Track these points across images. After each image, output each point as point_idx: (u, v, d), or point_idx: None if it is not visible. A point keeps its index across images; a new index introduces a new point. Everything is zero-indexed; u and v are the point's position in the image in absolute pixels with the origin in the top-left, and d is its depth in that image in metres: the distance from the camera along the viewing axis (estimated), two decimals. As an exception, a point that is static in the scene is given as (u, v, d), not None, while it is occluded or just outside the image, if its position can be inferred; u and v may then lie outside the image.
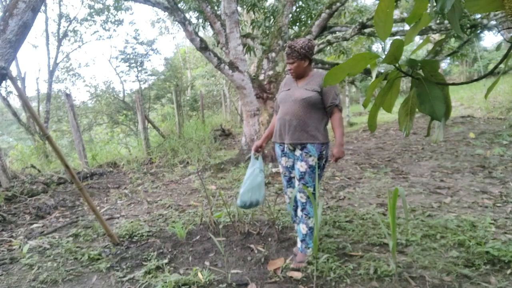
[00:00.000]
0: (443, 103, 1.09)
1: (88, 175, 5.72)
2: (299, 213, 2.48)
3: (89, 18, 12.32)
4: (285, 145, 2.47)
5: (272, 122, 2.66)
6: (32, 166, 6.03)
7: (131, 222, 3.48)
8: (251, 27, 8.31)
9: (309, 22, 7.50)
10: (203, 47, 5.97)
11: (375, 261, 2.36)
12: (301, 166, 2.39)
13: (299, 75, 2.45)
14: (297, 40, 2.39)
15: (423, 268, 2.27)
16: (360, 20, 5.90)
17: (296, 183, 2.46)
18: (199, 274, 2.34)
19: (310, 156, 2.36)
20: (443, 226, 2.84)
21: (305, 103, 2.36)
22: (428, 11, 1.16)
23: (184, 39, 25.12)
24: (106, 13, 12.24)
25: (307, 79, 2.45)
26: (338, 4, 5.82)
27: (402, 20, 6.40)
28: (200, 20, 8.20)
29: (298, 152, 2.42)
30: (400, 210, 2.97)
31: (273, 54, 6.16)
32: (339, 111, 2.42)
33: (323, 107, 2.40)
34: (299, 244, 2.52)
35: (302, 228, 2.47)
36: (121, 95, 13.78)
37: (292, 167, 2.52)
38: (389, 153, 6.20)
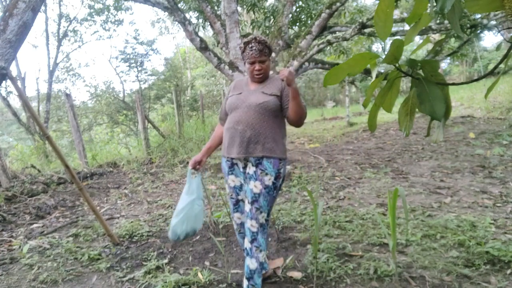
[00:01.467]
0: (443, 103, 1.09)
1: (88, 175, 5.72)
2: (247, 244, 2.02)
3: (89, 18, 12.34)
4: (235, 160, 2.06)
5: (216, 132, 2.24)
6: (32, 166, 6.03)
7: (131, 222, 3.48)
8: (251, 27, 8.30)
9: (309, 22, 7.49)
10: (203, 47, 5.98)
11: (375, 261, 2.36)
12: (254, 187, 1.96)
13: (265, 78, 2.07)
14: (260, 35, 2.02)
15: (423, 268, 2.28)
16: (360, 20, 5.90)
17: (247, 207, 2.00)
18: (199, 274, 2.34)
19: (267, 174, 1.95)
20: (443, 226, 2.84)
21: (262, 110, 1.96)
22: (428, 11, 1.16)
23: (184, 39, 25.13)
24: (106, 13, 12.25)
25: (265, 82, 2.07)
26: (338, 4, 5.82)
27: (402, 20, 6.40)
28: (200, 20, 8.20)
29: (251, 170, 1.99)
30: (400, 210, 2.97)
31: (273, 54, 6.16)
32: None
33: (281, 115, 2.03)
34: (244, 283, 2.04)
35: (250, 263, 2.00)
36: (121, 95, 13.79)
37: (241, 188, 2.08)
38: (389, 153, 6.20)
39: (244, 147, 1.96)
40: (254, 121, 1.95)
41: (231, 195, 2.13)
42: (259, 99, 1.98)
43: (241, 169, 2.06)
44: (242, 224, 2.16)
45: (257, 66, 2.00)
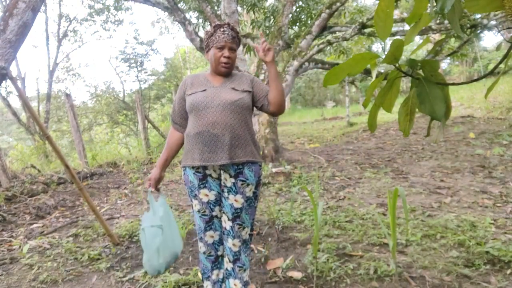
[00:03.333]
0: (443, 103, 1.09)
1: (88, 175, 5.72)
2: (229, 265, 1.84)
3: (89, 18, 12.35)
4: (208, 171, 1.77)
5: (171, 139, 1.90)
6: (32, 166, 6.03)
7: (131, 222, 3.48)
8: (251, 27, 8.30)
9: (309, 22, 7.50)
10: (203, 47, 5.97)
11: (375, 261, 2.36)
12: (235, 201, 1.74)
13: (231, 71, 1.84)
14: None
15: (423, 268, 2.27)
16: (360, 20, 5.90)
17: (227, 225, 1.79)
18: (199, 274, 2.34)
19: (248, 185, 1.74)
20: (443, 226, 2.84)
21: (238, 108, 1.72)
22: (428, 11, 1.16)
23: (184, 39, 25.15)
24: (106, 13, 12.25)
25: (228, 77, 1.83)
26: (338, 4, 5.82)
27: (402, 20, 6.40)
28: (200, 20, 8.21)
29: (229, 181, 1.74)
30: (400, 210, 2.98)
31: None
32: None
33: (252, 113, 1.85)
34: None
35: (234, 285, 1.83)
36: (121, 95, 13.79)
37: (216, 202, 1.80)
38: (389, 153, 6.20)
39: (225, 152, 1.67)
40: (232, 122, 1.69)
41: (204, 212, 1.79)
42: (233, 96, 1.72)
43: (215, 181, 1.78)
44: (213, 245, 1.85)
45: (226, 53, 1.73)
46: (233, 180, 1.74)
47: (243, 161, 1.71)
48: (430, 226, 2.87)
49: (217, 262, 1.88)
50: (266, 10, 7.88)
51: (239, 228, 1.78)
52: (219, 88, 1.75)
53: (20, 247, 3.03)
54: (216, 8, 7.36)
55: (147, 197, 1.82)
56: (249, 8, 7.59)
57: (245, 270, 1.84)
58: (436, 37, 8.65)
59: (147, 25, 50.32)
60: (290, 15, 6.69)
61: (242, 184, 1.73)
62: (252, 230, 1.86)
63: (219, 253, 1.88)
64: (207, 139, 1.69)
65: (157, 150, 7.29)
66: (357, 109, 16.29)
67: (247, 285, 1.87)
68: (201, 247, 1.86)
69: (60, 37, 12.12)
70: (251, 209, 1.80)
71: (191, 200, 1.84)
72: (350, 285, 2.14)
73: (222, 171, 1.76)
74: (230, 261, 1.83)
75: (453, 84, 1.19)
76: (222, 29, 1.73)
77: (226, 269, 1.87)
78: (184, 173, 1.83)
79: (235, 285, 1.83)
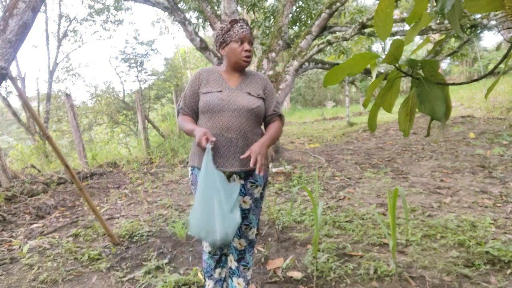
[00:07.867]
0: (443, 103, 1.09)
1: (88, 175, 5.72)
2: (233, 264, 1.87)
3: (89, 18, 12.36)
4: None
5: (186, 118, 1.79)
6: (32, 166, 6.03)
7: (131, 222, 3.48)
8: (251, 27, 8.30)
9: (309, 22, 7.49)
10: (203, 47, 5.98)
11: (375, 261, 2.36)
12: (244, 202, 1.75)
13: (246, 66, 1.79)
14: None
15: (423, 268, 2.27)
16: (360, 20, 5.90)
17: None
18: (199, 274, 2.34)
19: (257, 186, 1.75)
20: (443, 226, 2.84)
21: (254, 116, 1.70)
22: (428, 11, 1.16)
23: (184, 39, 25.15)
24: (106, 13, 12.26)
25: (243, 78, 1.79)
26: (338, 4, 5.81)
27: (402, 20, 6.40)
28: (200, 20, 8.20)
29: (239, 183, 1.74)
30: (400, 210, 2.97)
31: (273, 54, 6.16)
32: (280, 122, 1.82)
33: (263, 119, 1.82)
34: None
35: (237, 284, 1.85)
36: (121, 95, 13.80)
37: None
38: (389, 153, 6.20)
39: (237, 159, 1.66)
40: (246, 129, 1.68)
41: None
42: (250, 102, 1.69)
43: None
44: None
45: (247, 46, 1.70)
46: (242, 181, 1.74)
47: (253, 168, 1.66)
48: (430, 226, 2.87)
49: (220, 261, 1.89)
50: (266, 10, 7.87)
51: (246, 228, 1.80)
52: (235, 91, 1.72)
53: (20, 247, 3.03)
54: (216, 8, 7.36)
55: (205, 155, 1.53)
56: (249, 8, 7.59)
57: (249, 269, 1.86)
58: (436, 37, 8.66)
59: (147, 25, 50.35)
60: (290, 15, 6.69)
61: (251, 186, 1.74)
62: (257, 230, 1.88)
63: (224, 252, 1.89)
64: (220, 143, 1.66)
65: (157, 150, 7.28)
66: (357, 109, 16.29)
67: (249, 283, 1.89)
68: (207, 247, 1.85)
69: (60, 37, 12.13)
70: (258, 209, 1.81)
71: None
72: (350, 285, 2.15)
73: (232, 173, 1.74)
74: (234, 260, 1.85)
75: (453, 84, 1.19)
76: (239, 24, 1.72)
77: (230, 268, 1.88)
78: (192, 173, 1.79)
79: (238, 283, 1.85)
